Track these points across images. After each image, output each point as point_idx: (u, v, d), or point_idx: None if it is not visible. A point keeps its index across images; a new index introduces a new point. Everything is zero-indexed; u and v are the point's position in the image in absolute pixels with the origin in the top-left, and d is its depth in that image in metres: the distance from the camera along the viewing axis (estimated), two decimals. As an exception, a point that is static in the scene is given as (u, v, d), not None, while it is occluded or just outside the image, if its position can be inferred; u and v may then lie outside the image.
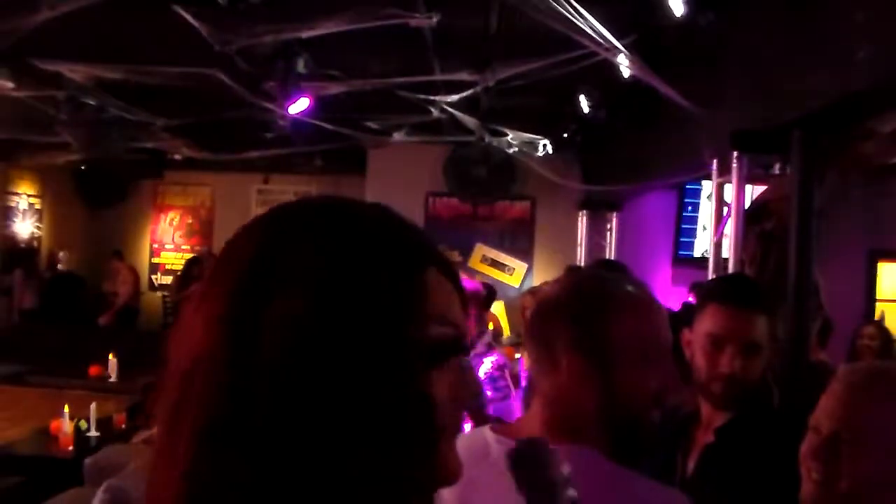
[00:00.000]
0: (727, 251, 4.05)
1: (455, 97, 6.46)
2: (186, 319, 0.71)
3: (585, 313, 1.29)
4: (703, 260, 6.79)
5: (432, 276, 0.72)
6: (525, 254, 9.84)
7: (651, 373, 1.30)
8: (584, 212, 9.21)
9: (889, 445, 1.34)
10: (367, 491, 0.67)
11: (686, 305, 5.25)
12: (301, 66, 5.35)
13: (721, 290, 2.07)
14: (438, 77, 6.06)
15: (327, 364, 0.65)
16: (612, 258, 8.19)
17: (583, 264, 9.13)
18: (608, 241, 8.89)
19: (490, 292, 6.58)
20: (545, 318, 1.33)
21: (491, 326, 6.70)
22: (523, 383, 5.12)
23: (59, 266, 11.38)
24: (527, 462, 0.78)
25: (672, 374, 1.39)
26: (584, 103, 6.22)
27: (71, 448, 5.29)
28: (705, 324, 1.94)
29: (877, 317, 7.37)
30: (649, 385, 1.29)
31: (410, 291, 0.69)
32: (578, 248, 9.31)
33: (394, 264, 0.70)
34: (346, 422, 0.65)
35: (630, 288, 1.35)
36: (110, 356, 7.63)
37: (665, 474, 1.87)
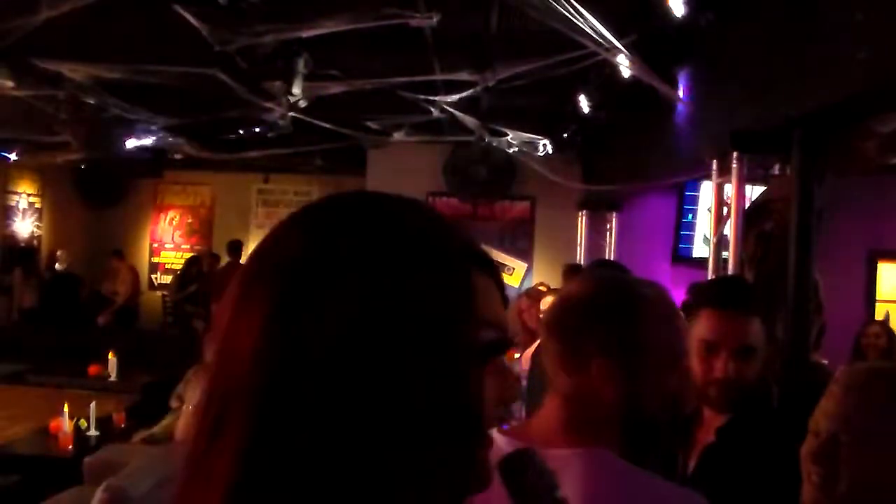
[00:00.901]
0: (727, 251, 4.05)
1: (455, 97, 6.46)
2: (228, 325, 0.68)
3: (616, 315, 1.29)
4: (703, 260, 6.78)
5: (478, 277, 0.72)
6: (525, 254, 9.83)
7: (672, 375, 1.31)
8: (584, 212, 9.21)
9: (888, 447, 1.34)
10: (411, 495, 0.66)
11: (685, 305, 5.26)
12: (301, 66, 5.35)
13: (713, 294, 2.08)
14: (438, 77, 6.06)
15: (379, 368, 0.64)
16: (612, 258, 8.19)
17: (583, 263, 9.14)
18: (608, 240, 8.88)
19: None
20: (572, 318, 1.32)
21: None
22: (523, 383, 5.12)
23: (57, 266, 11.37)
24: (515, 468, 0.78)
25: (689, 377, 1.39)
26: (584, 103, 6.22)
27: (71, 447, 5.30)
28: (699, 329, 1.94)
29: (881, 317, 7.37)
30: (670, 387, 1.31)
31: (461, 293, 0.69)
32: (578, 248, 9.31)
33: (443, 266, 0.69)
34: (397, 427, 0.64)
35: (654, 290, 1.36)
36: (110, 356, 7.63)
37: (666, 473, 1.88)
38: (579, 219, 9.34)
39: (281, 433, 0.63)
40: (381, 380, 0.64)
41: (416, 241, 0.69)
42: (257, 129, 7.91)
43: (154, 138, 8.60)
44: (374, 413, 0.64)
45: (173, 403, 5.37)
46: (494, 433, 1.32)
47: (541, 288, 6.62)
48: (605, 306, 1.30)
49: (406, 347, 0.65)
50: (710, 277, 4.28)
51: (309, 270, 0.66)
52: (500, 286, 0.76)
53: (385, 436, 0.64)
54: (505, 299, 0.76)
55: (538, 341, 5.63)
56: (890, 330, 6.19)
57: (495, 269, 0.76)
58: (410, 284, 0.67)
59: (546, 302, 5.70)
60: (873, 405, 1.37)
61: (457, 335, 0.67)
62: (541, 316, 5.76)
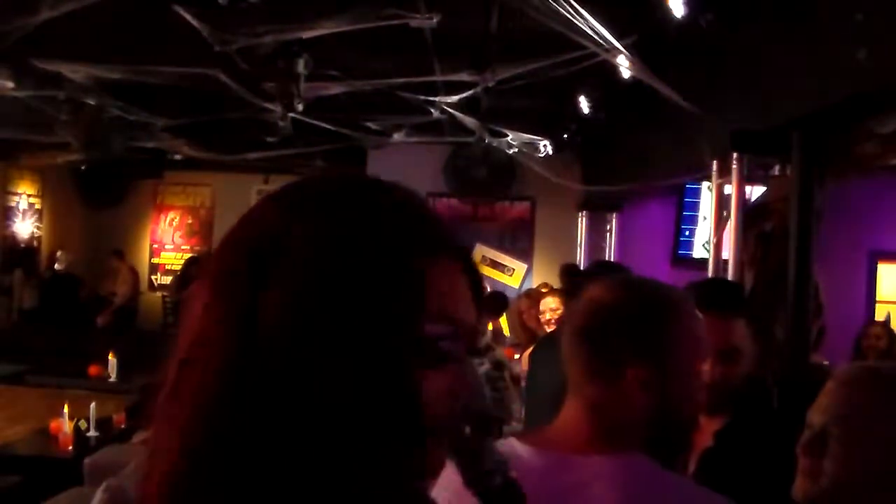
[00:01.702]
0: (727, 252, 4.05)
1: (455, 97, 6.46)
2: (190, 304, 0.71)
3: (649, 321, 1.28)
4: (703, 261, 6.79)
5: (441, 270, 0.70)
6: (525, 254, 9.83)
7: (697, 378, 1.32)
8: (584, 212, 9.21)
9: (877, 440, 1.35)
10: (349, 477, 0.66)
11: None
12: (301, 66, 5.35)
13: (696, 296, 2.08)
14: (439, 77, 6.06)
15: (315, 352, 0.64)
16: (612, 259, 8.20)
17: (583, 264, 9.14)
18: (608, 241, 8.89)
19: (501, 300, 6.61)
20: (604, 325, 1.30)
21: (490, 327, 6.71)
22: (522, 384, 5.13)
23: (57, 266, 11.37)
24: (466, 454, 0.78)
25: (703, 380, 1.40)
26: (584, 104, 6.22)
27: (70, 448, 5.29)
28: None
29: (881, 318, 7.37)
30: (699, 391, 1.31)
31: (407, 284, 0.66)
32: (578, 249, 9.31)
33: (395, 253, 0.67)
34: (330, 410, 0.64)
35: (679, 293, 1.36)
36: (110, 356, 7.63)
37: None
38: (579, 219, 9.34)
39: (228, 410, 0.64)
40: (315, 366, 0.64)
41: (370, 226, 0.68)
42: (257, 130, 7.91)
43: (154, 139, 8.59)
44: (309, 395, 0.64)
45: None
46: (513, 441, 1.31)
47: (542, 290, 6.63)
48: (639, 313, 1.29)
49: (339, 335, 0.64)
50: (709, 278, 4.27)
51: (260, 252, 0.67)
52: (474, 281, 0.74)
53: (320, 418, 0.64)
54: (478, 295, 0.74)
55: (536, 342, 5.64)
56: (890, 331, 6.19)
57: (471, 266, 0.73)
58: (352, 271, 0.65)
59: (547, 303, 5.70)
60: (862, 401, 1.38)
61: (395, 326, 0.65)
62: (541, 317, 5.78)
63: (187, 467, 0.65)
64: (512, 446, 1.31)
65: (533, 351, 3.76)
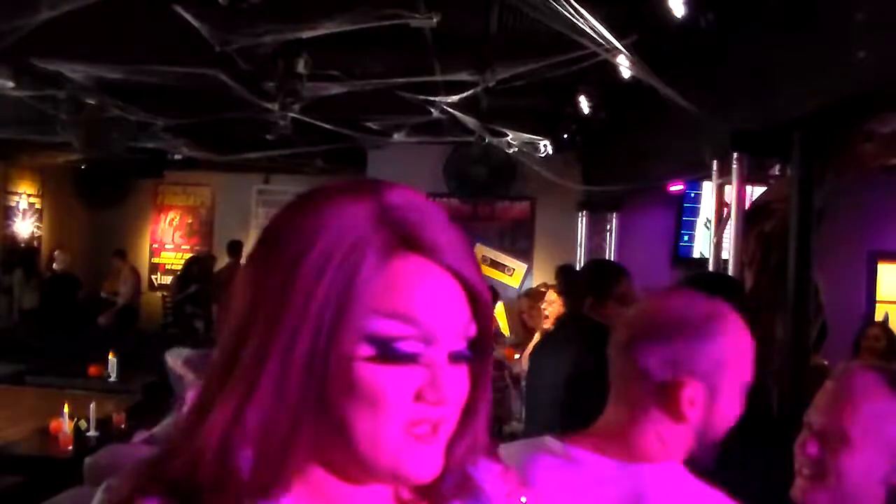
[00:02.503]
0: (727, 252, 4.05)
1: (455, 97, 6.46)
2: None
3: (706, 337, 1.29)
4: (703, 261, 6.79)
5: (409, 266, 0.70)
6: (525, 254, 9.83)
7: (742, 394, 1.33)
8: (584, 212, 9.21)
9: (876, 441, 1.35)
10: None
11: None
12: (301, 66, 5.35)
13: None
14: (439, 77, 6.05)
15: (271, 329, 0.69)
16: (612, 259, 8.20)
17: (583, 264, 9.14)
18: (608, 241, 8.88)
19: (492, 293, 6.59)
20: (659, 340, 1.30)
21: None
22: (522, 384, 5.12)
23: (55, 266, 11.36)
24: None
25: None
26: (584, 104, 6.22)
27: (70, 448, 5.29)
28: None
29: (879, 318, 7.37)
30: (741, 403, 1.33)
31: (355, 277, 0.69)
32: (578, 249, 9.31)
33: (349, 246, 0.69)
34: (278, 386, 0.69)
35: (729, 308, 1.36)
36: (110, 356, 7.62)
37: None
38: (579, 219, 9.34)
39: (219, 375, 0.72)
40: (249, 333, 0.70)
41: (333, 219, 0.71)
42: (257, 130, 7.90)
43: (154, 139, 8.59)
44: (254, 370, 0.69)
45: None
46: (550, 440, 1.32)
47: (541, 289, 6.63)
48: (695, 329, 1.29)
49: (280, 318, 0.69)
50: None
51: (261, 240, 0.76)
52: (468, 288, 0.73)
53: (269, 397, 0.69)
54: (474, 301, 0.74)
55: (535, 340, 5.64)
56: (889, 331, 6.19)
57: (447, 265, 0.72)
58: (303, 260, 0.70)
59: (549, 297, 5.69)
60: (861, 402, 1.38)
61: (334, 318, 0.68)
62: (543, 312, 5.76)
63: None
64: (551, 445, 1.32)
65: (533, 350, 3.76)
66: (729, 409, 1.30)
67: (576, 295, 3.27)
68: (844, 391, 1.41)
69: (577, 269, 6.99)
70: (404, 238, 0.71)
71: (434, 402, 0.71)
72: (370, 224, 0.71)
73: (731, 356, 1.29)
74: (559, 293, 5.20)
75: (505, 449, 1.38)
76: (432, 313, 0.71)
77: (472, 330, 0.74)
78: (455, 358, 0.72)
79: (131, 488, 0.75)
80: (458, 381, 0.73)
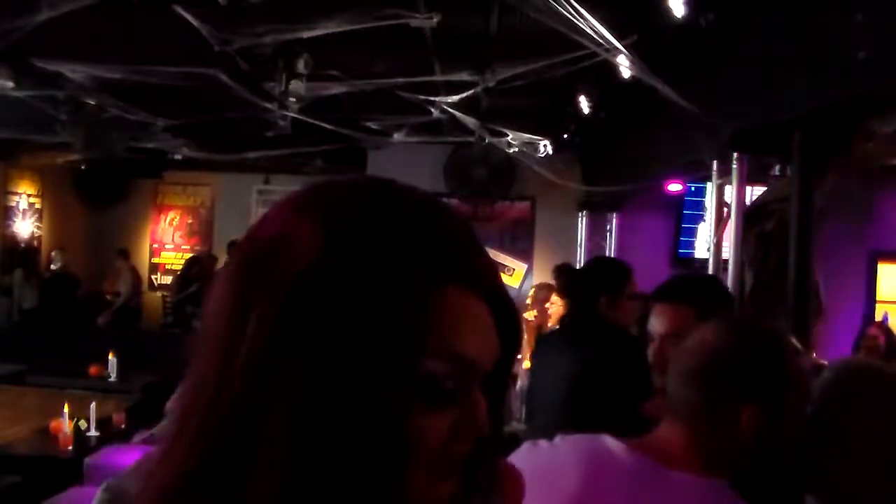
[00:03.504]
0: (727, 252, 4.05)
1: (455, 97, 6.45)
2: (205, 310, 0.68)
3: (764, 365, 1.34)
4: (703, 261, 6.78)
5: (450, 298, 0.61)
6: (525, 254, 9.84)
7: (803, 416, 1.38)
8: (584, 212, 9.21)
9: (876, 435, 1.37)
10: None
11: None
12: (301, 66, 5.35)
13: (664, 287, 2.17)
14: (439, 77, 6.05)
15: (292, 375, 0.59)
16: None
17: (582, 264, 9.15)
18: (608, 241, 8.89)
19: None
20: (719, 370, 1.34)
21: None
22: (519, 383, 5.12)
23: (53, 266, 11.36)
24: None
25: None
26: (584, 104, 6.22)
27: (71, 448, 5.29)
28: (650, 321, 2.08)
29: (878, 318, 7.38)
30: (799, 428, 1.38)
31: (402, 314, 0.59)
32: (578, 249, 9.31)
33: (394, 277, 0.60)
34: (306, 435, 0.59)
35: (783, 331, 1.46)
36: (110, 356, 7.63)
37: None
38: (579, 219, 9.34)
39: (213, 413, 0.61)
40: (292, 390, 0.58)
41: (371, 243, 0.61)
42: (257, 130, 7.90)
43: (154, 139, 8.59)
44: (283, 416, 0.59)
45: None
46: (607, 437, 1.36)
47: (541, 290, 6.64)
48: (753, 357, 1.34)
49: (315, 367, 0.58)
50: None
51: (260, 257, 0.63)
52: (499, 313, 0.66)
53: (294, 441, 0.58)
54: (506, 325, 0.67)
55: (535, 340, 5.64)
56: (888, 330, 6.20)
57: (495, 292, 0.65)
58: (339, 295, 0.59)
59: (552, 301, 5.71)
60: (862, 397, 1.41)
61: (380, 360, 0.59)
62: (546, 311, 5.75)
63: (182, 477, 0.61)
64: (605, 441, 1.36)
65: (534, 350, 3.75)
66: (789, 432, 1.35)
67: (586, 294, 3.26)
68: (847, 388, 1.43)
69: (577, 267, 6.99)
70: (450, 264, 0.63)
71: (468, 437, 0.63)
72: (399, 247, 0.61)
73: (790, 381, 1.35)
74: (560, 292, 5.19)
75: (561, 440, 1.41)
76: (475, 344, 0.63)
77: (499, 354, 0.67)
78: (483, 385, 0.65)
79: None
80: (486, 415, 0.65)
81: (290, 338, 0.59)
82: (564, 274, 6.00)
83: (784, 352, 1.37)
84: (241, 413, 0.59)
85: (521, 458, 1.41)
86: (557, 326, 5.36)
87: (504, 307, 0.66)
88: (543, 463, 1.37)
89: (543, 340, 3.81)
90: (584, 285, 3.37)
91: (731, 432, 1.31)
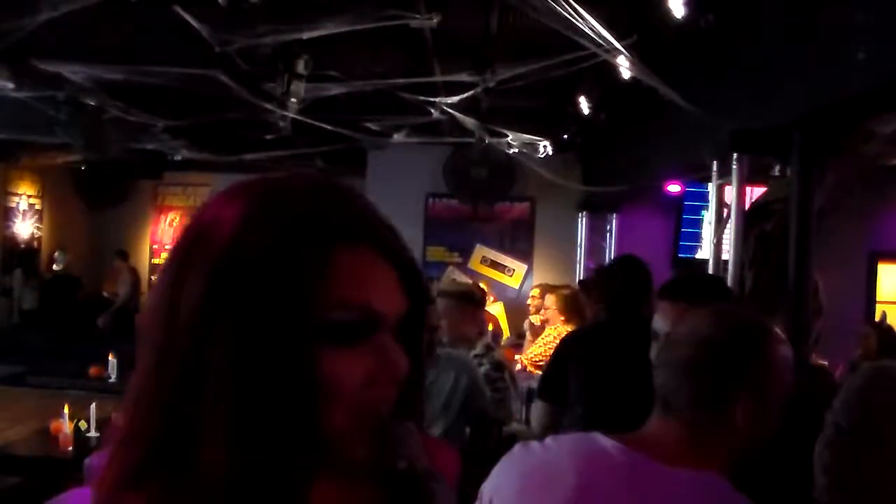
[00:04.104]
0: (727, 253, 4.05)
1: (455, 98, 6.46)
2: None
3: (756, 355, 1.34)
4: (703, 261, 6.78)
5: (347, 258, 0.72)
6: (525, 255, 9.83)
7: (783, 404, 1.38)
8: (584, 213, 9.21)
9: (887, 444, 1.35)
10: (257, 447, 0.69)
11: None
12: (301, 66, 5.35)
13: (672, 286, 2.19)
14: (438, 78, 6.06)
15: (222, 337, 0.68)
16: (612, 259, 8.19)
17: (582, 264, 9.15)
18: (608, 242, 8.89)
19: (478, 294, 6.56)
20: (712, 361, 1.34)
21: (490, 328, 6.70)
22: (522, 385, 5.12)
23: (55, 267, 11.36)
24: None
25: None
26: (584, 104, 6.22)
27: (71, 448, 5.29)
28: (657, 321, 2.06)
29: (878, 318, 7.38)
30: (779, 416, 1.37)
31: (302, 273, 0.70)
32: (578, 250, 9.32)
33: (294, 244, 0.70)
34: (234, 389, 0.68)
35: (771, 323, 1.43)
36: (110, 357, 7.62)
37: None
38: (579, 220, 9.34)
39: (155, 387, 0.71)
40: (218, 346, 0.68)
41: (272, 217, 0.71)
42: (257, 131, 7.91)
43: (154, 140, 8.59)
44: (214, 372, 0.68)
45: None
46: (600, 436, 1.36)
47: (539, 291, 6.64)
48: (741, 344, 1.35)
49: (235, 322, 0.68)
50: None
51: (186, 244, 0.74)
52: (403, 270, 0.76)
53: (224, 395, 0.68)
54: (411, 283, 0.76)
55: (543, 339, 5.64)
56: (888, 331, 6.21)
57: (390, 248, 0.75)
58: (250, 260, 0.69)
59: (551, 299, 5.70)
60: (874, 403, 1.38)
61: (289, 311, 0.69)
62: (542, 315, 5.74)
63: (135, 445, 0.71)
64: (598, 440, 1.36)
65: (590, 345, 3.61)
66: (774, 421, 1.36)
67: (633, 295, 3.33)
68: (867, 390, 1.41)
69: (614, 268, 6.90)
70: (341, 228, 0.73)
71: (386, 382, 0.73)
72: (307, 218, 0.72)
73: (777, 369, 1.35)
74: (597, 292, 5.04)
75: (553, 440, 1.41)
76: (380, 298, 0.73)
77: (405, 306, 0.76)
78: (396, 336, 0.75)
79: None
80: (402, 359, 0.75)
81: (216, 305, 0.69)
82: (602, 277, 5.85)
83: (771, 341, 1.37)
84: (184, 379, 0.69)
85: (515, 459, 1.41)
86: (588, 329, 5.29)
87: (407, 267, 0.77)
88: (537, 464, 1.37)
89: (592, 336, 3.66)
90: (632, 287, 3.43)
91: (725, 424, 1.31)
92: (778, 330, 1.43)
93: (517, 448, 1.44)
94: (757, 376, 1.33)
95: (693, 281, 2.46)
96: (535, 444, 1.42)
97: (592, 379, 3.23)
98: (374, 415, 0.73)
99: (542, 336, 5.71)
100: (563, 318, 5.57)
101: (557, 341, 5.44)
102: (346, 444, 0.73)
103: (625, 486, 1.28)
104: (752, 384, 1.32)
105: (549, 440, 1.42)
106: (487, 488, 1.40)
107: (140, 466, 0.70)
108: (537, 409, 3.40)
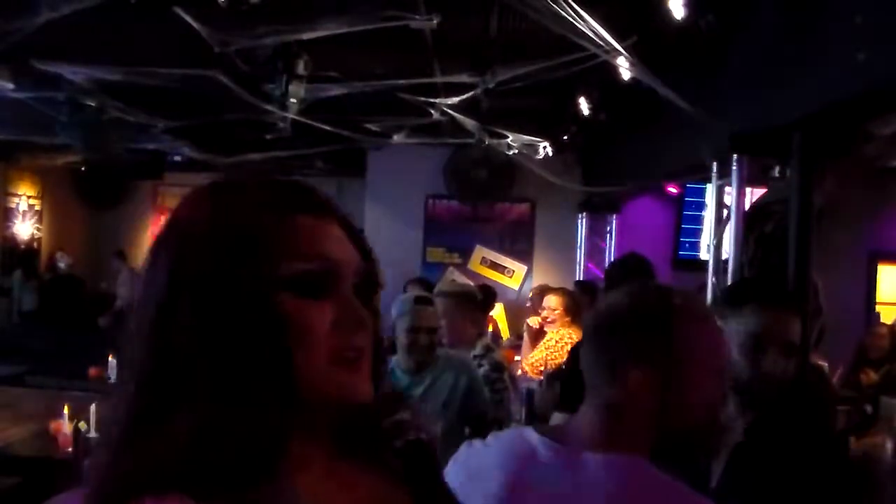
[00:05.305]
0: (727, 253, 4.05)
1: (455, 99, 6.46)
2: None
3: (651, 324, 1.31)
4: (703, 262, 6.78)
5: (303, 222, 0.83)
6: (525, 256, 9.82)
7: (712, 382, 1.33)
8: (584, 214, 9.21)
9: None
10: (240, 398, 0.76)
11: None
12: (301, 67, 5.35)
13: (763, 290, 2.10)
14: (438, 79, 6.06)
15: (182, 301, 0.78)
16: (612, 260, 8.19)
17: (582, 265, 9.15)
18: (608, 242, 8.89)
19: (488, 295, 6.55)
20: (607, 328, 1.34)
21: (490, 329, 6.69)
22: (522, 386, 5.12)
23: (60, 266, 11.37)
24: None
25: (725, 387, 1.43)
26: (584, 105, 6.22)
27: (70, 449, 5.28)
28: (748, 324, 1.95)
29: (884, 318, 7.40)
30: (710, 395, 1.33)
31: (266, 234, 0.80)
32: (578, 251, 9.31)
33: (255, 219, 0.80)
34: (217, 342, 0.76)
35: (690, 297, 1.39)
36: (110, 357, 7.61)
37: (691, 475, 1.88)
38: (579, 220, 9.34)
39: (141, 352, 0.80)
40: (198, 308, 0.77)
41: (237, 201, 0.83)
42: (257, 132, 7.91)
43: (154, 140, 8.59)
44: (197, 329, 0.77)
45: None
46: (529, 431, 1.36)
47: (539, 291, 6.63)
48: (640, 316, 1.32)
49: (211, 285, 0.78)
50: (710, 280, 4.28)
51: (165, 232, 0.85)
52: (350, 231, 0.87)
53: (209, 349, 0.76)
54: (355, 240, 0.87)
55: (547, 342, 5.62)
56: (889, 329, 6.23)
57: (334, 215, 0.86)
58: (219, 232, 0.80)
59: (551, 299, 5.70)
60: None
61: (257, 268, 0.78)
62: (544, 316, 5.74)
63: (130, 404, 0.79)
64: (527, 436, 1.35)
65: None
66: (694, 398, 1.30)
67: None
68: None
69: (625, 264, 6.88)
70: (297, 202, 0.84)
71: (352, 326, 0.82)
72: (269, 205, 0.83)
73: (686, 344, 1.30)
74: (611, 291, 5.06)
75: (493, 438, 1.42)
76: (337, 251, 0.84)
77: (359, 260, 0.87)
78: (356, 292, 0.85)
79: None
80: (366, 311, 0.84)
81: (182, 273, 0.79)
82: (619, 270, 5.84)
83: (675, 315, 1.31)
84: (158, 349, 0.78)
85: (460, 460, 1.43)
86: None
87: (354, 232, 0.89)
88: (475, 464, 1.39)
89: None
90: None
91: (628, 399, 1.29)
92: (700, 307, 1.39)
93: (463, 447, 1.45)
94: (653, 348, 1.29)
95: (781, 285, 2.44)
96: (477, 442, 1.43)
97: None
98: (348, 357, 0.81)
99: (545, 340, 5.67)
100: (568, 319, 5.57)
101: (560, 345, 5.46)
102: (323, 389, 0.80)
103: (548, 479, 1.27)
104: (646, 355, 1.29)
105: (490, 438, 1.43)
106: None
107: (122, 441, 0.77)
108: (557, 420, 3.40)
